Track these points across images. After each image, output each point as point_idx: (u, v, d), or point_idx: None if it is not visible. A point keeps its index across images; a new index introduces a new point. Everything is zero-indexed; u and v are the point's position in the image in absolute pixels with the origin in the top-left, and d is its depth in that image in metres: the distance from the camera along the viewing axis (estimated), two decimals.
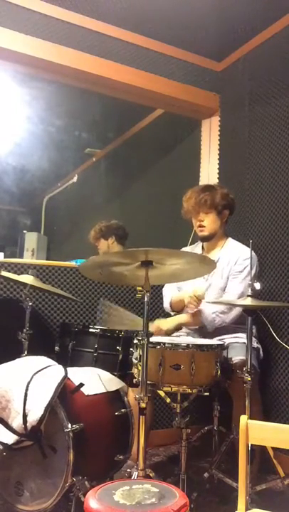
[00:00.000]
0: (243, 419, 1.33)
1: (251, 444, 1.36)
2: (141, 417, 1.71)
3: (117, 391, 2.04)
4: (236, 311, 2.43)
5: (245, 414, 1.87)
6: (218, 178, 3.41)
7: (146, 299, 1.78)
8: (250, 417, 1.46)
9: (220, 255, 2.57)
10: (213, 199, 2.52)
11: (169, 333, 2.47)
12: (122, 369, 2.24)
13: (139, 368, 1.88)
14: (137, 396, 1.72)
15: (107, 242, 3.48)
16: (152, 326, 2.45)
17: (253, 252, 2.40)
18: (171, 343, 1.99)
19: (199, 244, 2.73)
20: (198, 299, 2.42)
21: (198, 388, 1.96)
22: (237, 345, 2.39)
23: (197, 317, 2.43)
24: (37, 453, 1.74)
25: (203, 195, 2.53)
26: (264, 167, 2.99)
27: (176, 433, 2.07)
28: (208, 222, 2.57)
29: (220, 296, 2.50)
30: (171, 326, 2.47)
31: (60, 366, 1.89)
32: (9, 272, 2.53)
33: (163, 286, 2.79)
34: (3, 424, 1.77)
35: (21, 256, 3.78)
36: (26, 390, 1.76)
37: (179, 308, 2.62)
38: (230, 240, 2.66)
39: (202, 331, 2.51)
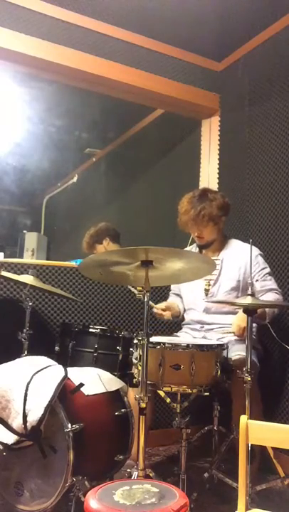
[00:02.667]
0: (243, 419, 1.33)
1: (251, 444, 1.36)
2: (141, 417, 1.71)
3: (117, 391, 2.04)
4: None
5: (244, 413, 1.87)
6: (218, 178, 3.41)
7: (146, 299, 1.79)
8: (251, 417, 1.46)
9: (223, 256, 2.58)
10: (211, 213, 2.49)
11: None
12: (122, 369, 2.24)
13: (139, 367, 1.88)
14: (137, 396, 1.72)
15: (103, 245, 3.45)
16: (234, 328, 2.37)
17: (256, 248, 2.51)
18: (171, 343, 1.99)
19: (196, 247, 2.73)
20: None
21: (198, 388, 1.97)
22: (236, 342, 2.39)
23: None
24: (37, 453, 1.74)
25: (200, 209, 2.48)
26: (264, 167, 2.99)
27: (176, 433, 2.07)
28: (206, 234, 2.57)
29: (233, 297, 2.49)
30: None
31: (60, 366, 1.89)
32: (9, 271, 2.53)
33: (163, 288, 2.80)
34: (3, 424, 1.77)
35: (21, 256, 3.77)
36: (26, 390, 1.76)
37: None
38: (230, 240, 2.66)
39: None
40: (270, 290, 2.48)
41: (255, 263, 2.50)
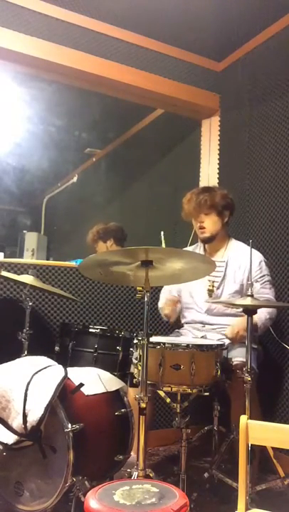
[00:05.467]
0: (243, 419, 1.33)
1: (251, 444, 1.36)
2: (141, 417, 1.71)
3: (117, 391, 2.05)
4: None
5: (244, 414, 1.87)
6: (218, 178, 3.41)
7: (146, 299, 1.79)
8: (250, 417, 1.46)
9: (227, 257, 2.57)
10: (213, 199, 2.53)
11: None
12: (122, 369, 2.24)
13: (139, 367, 1.88)
14: (137, 396, 1.72)
15: (106, 244, 3.46)
16: (230, 333, 2.35)
17: (258, 252, 2.51)
18: (171, 343, 1.99)
19: (201, 245, 2.73)
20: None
21: (198, 388, 1.96)
22: (237, 346, 2.39)
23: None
24: (37, 453, 1.74)
25: (203, 196, 2.53)
26: (264, 167, 2.99)
27: (176, 433, 2.07)
28: (208, 223, 2.56)
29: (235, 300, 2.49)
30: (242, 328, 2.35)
31: (60, 366, 1.89)
32: (9, 271, 2.53)
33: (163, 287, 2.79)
34: (3, 424, 1.77)
35: (21, 256, 3.78)
36: (26, 390, 1.76)
37: (169, 310, 2.61)
38: (233, 241, 2.66)
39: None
40: (267, 300, 2.47)
41: (258, 268, 2.50)
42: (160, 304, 2.71)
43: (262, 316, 2.40)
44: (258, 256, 2.54)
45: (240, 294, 2.50)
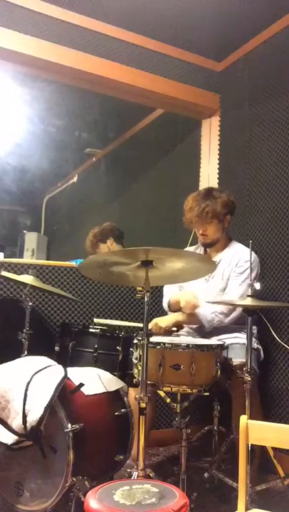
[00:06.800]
0: (243, 419, 1.33)
1: (251, 444, 1.36)
2: (141, 417, 1.71)
3: (117, 391, 2.04)
4: (236, 312, 2.43)
5: (244, 414, 1.87)
6: (218, 178, 3.41)
7: (146, 299, 1.78)
8: (250, 417, 1.46)
9: (221, 257, 2.58)
10: (215, 209, 2.50)
11: (167, 330, 2.47)
12: (122, 369, 2.24)
13: (139, 367, 1.88)
14: (137, 396, 1.72)
15: (106, 244, 3.46)
16: (150, 324, 2.46)
17: (254, 253, 2.45)
18: (171, 343, 1.99)
19: (201, 247, 2.73)
20: (193, 306, 2.44)
21: (198, 388, 1.96)
22: (237, 346, 2.39)
23: (195, 316, 2.44)
24: (37, 453, 1.74)
25: (205, 206, 2.49)
26: (264, 167, 2.99)
27: (176, 433, 2.07)
28: (210, 232, 2.57)
29: (220, 296, 2.50)
30: (169, 323, 2.48)
31: (60, 366, 1.89)
32: (9, 271, 2.53)
33: (163, 287, 2.79)
34: (3, 424, 1.77)
35: (21, 256, 3.78)
36: (26, 390, 1.76)
37: (176, 309, 2.62)
38: (233, 242, 2.66)
39: (202, 330, 2.51)
40: (219, 311, 2.45)
41: (241, 264, 2.49)
42: (164, 304, 2.71)
43: (206, 313, 2.43)
44: (248, 256, 2.46)
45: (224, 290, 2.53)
